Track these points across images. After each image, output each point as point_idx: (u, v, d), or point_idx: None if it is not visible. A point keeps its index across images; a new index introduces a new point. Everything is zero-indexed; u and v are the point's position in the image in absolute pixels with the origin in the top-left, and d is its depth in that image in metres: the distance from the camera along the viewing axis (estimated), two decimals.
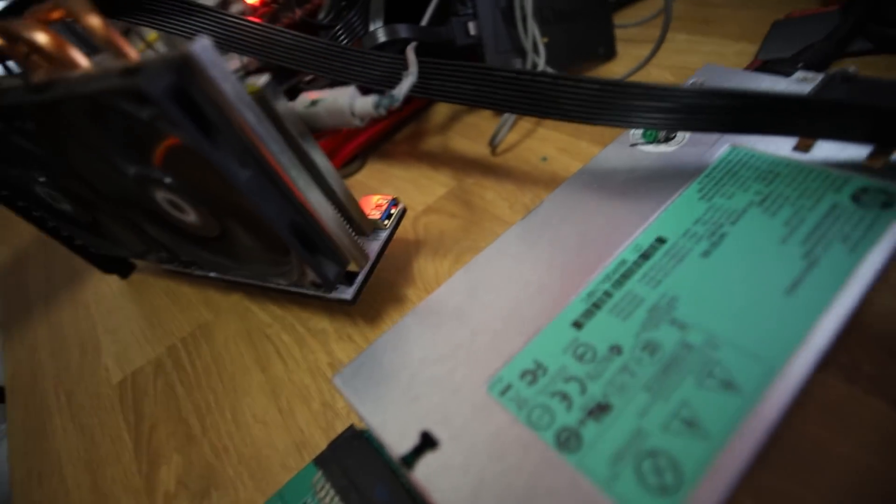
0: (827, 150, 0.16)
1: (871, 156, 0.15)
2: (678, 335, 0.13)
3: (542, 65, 0.28)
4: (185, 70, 0.11)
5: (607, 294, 0.14)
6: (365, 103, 0.15)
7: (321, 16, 0.26)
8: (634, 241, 0.15)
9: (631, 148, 0.19)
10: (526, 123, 0.31)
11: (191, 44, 0.11)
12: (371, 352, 0.15)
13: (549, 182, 0.26)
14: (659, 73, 0.31)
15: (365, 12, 0.25)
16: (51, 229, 0.25)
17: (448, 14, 0.28)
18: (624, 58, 0.33)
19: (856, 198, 0.14)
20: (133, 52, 0.13)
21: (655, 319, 0.13)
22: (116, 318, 0.27)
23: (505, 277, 0.16)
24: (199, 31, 0.23)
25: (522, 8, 0.28)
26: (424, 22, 0.26)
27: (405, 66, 0.20)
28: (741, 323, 0.12)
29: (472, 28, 0.27)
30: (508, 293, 0.15)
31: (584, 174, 0.19)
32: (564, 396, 0.12)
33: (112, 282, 0.30)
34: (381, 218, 0.21)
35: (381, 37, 0.24)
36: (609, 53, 0.33)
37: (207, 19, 0.23)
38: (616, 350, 0.13)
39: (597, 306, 0.14)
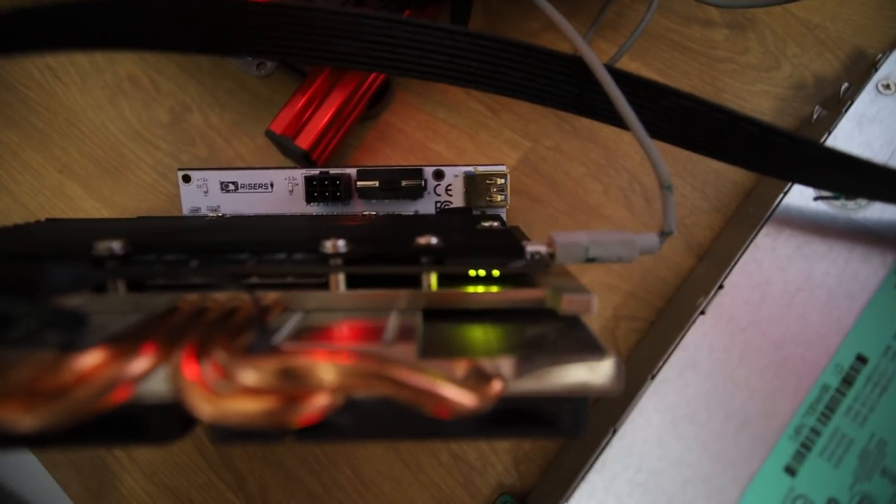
0: None
1: None
2: (891, 489, 0.14)
3: None
4: None
5: (815, 432, 0.14)
6: (651, 244, 0.11)
7: None
8: (834, 360, 0.15)
9: (815, 202, 0.16)
10: (606, 48, 0.24)
11: None
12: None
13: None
14: None
15: None
16: None
17: None
18: None
19: None
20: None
21: (867, 468, 0.14)
22: None
23: (702, 404, 0.15)
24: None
25: None
26: None
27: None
28: None
29: None
30: (711, 427, 0.15)
31: (764, 239, 0.16)
32: None
33: None
34: None
35: None
36: None
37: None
38: None
39: (806, 447, 0.14)
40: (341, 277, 0.10)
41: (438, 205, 0.19)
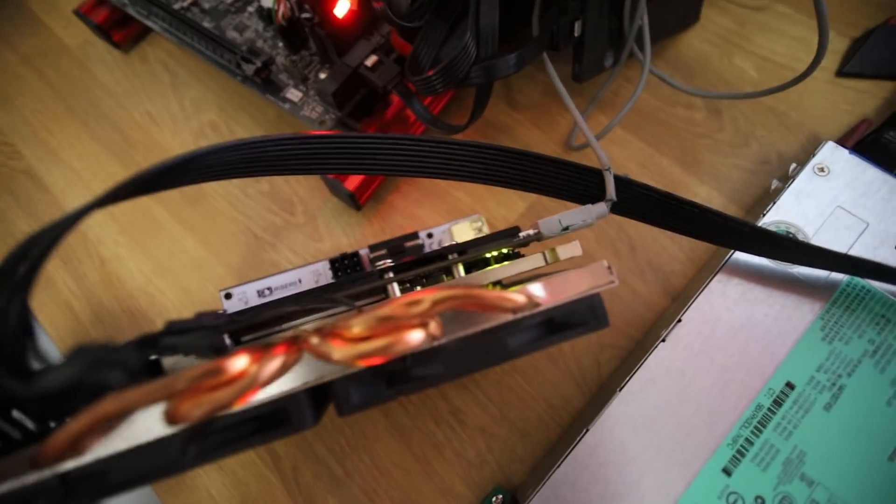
0: None
1: None
2: (807, 492, 0.17)
3: (647, 54, 0.25)
4: None
5: (748, 441, 0.18)
6: (602, 211, 0.16)
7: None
8: (767, 385, 0.18)
9: (758, 257, 0.20)
10: (603, 120, 0.29)
11: None
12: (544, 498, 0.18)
13: None
14: (742, 63, 0.29)
15: (475, 34, 0.20)
16: None
17: (550, 10, 0.23)
18: (707, 27, 0.30)
19: None
20: None
21: (789, 473, 0.17)
22: None
23: (658, 414, 0.19)
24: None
25: None
26: (535, 32, 0.22)
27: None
28: (854, 484, 0.17)
29: (577, 28, 0.23)
30: (665, 433, 0.18)
31: (717, 284, 0.20)
32: None
33: None
34: None
35: (508, 69, 0.21)
36: (693, 19, 0.30)
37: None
38: (760, 500, 0.17)
39: (741, 454, 0.18)
40: (395, 286, 0.14)
41: None
